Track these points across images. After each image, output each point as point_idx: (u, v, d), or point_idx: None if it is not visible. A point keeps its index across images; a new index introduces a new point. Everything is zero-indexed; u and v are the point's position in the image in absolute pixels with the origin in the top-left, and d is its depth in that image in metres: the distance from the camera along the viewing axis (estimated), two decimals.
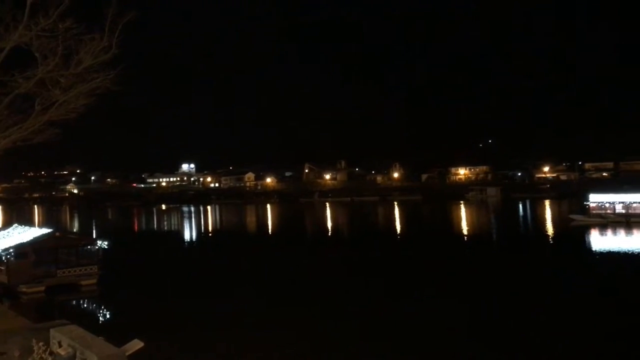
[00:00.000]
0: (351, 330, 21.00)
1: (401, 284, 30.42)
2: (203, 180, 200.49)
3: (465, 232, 59.34)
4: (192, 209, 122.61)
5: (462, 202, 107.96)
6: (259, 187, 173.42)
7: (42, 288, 29.30)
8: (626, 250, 41.68)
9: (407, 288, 29.17)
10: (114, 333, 14.67)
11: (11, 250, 29.71)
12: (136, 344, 9.94)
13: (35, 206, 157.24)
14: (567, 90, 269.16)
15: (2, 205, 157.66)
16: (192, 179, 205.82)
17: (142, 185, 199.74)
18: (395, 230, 64.94)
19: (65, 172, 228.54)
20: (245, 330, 21.26)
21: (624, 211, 56.97)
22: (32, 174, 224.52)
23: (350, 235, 63.61)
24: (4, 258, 29.89)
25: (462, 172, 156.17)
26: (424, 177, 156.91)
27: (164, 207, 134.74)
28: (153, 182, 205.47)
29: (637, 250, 41.40)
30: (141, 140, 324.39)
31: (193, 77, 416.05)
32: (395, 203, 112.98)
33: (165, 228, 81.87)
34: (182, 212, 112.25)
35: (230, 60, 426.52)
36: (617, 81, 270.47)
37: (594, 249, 44.54)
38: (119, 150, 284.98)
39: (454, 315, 22.91)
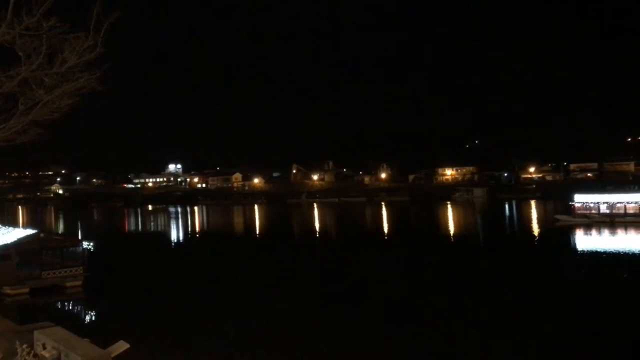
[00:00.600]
0: (339, 329, 21.04)
1: (388, 284, 30.51)
2: (190, 181, 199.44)
3: (450, 232, 59.71)
4: (179, 209, 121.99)
5: (448, 202, 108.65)
6: (247, 188, 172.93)
7: (27, 290, 28.95)
8: (610, 250, 42.25)
9: (394, 289, 29.27)
10: (100, 335, 14.54)
11: None
12: (122, 346, 9.86)
13: (20, 207, 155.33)
14: (552, 92, 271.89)
15: None
16: (179, 179, 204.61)
17: (131, 186, 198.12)
18: (382, 231, 65.11)
19: (50, 173, 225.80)
20: (232, 331, 21.20)
21: (608, 211, 57.75)
22: (16, 175, 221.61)
23: (336, 235, 63.66)
24: None
25: (449, 172, 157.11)
26: (411, 177, 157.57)
27: (150, 207, 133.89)
28: (139, 183, 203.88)
29: (620, 250, 41.97)
30: (127, 141, 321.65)
31: (178, 77, 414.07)
32: (383, 204, 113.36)
33: (152, 229, 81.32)
34: (168, 213, 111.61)
35: (218, 59, 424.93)
36: (601, 84, 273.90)
37: (578, 248, 45.09)
38: (104, 150, 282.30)
39: (435, 315, 23.04)
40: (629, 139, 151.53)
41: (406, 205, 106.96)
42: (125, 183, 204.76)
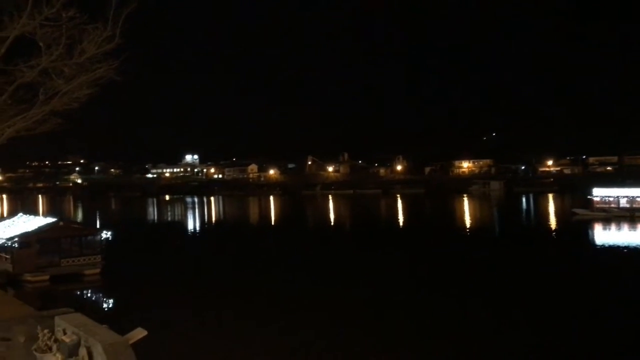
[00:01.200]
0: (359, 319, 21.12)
1: (403, 278, 30.49)
2: (206, 172, 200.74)
3: (466, 226, 59.36)
4: (196, 199, 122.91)
5: (464, 195, 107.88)
6: (262, 179, 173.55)
7: (47, 277, 29.49)
8: (629, 245, 41.60)
9: (410, 282, 29.23)
10: (118, 322, 14.76)
11: (16, 239, 29.89)
12: (139, 333, 10.00)
13: (40, 196, 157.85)
14: (572, 85, 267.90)
15: (7, 194, 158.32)
16: (195, 170, 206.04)
17: (148, 176, 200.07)
18: (396, 223, 64.96)
19: (69, 162, 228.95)
20: (249, 320, 21.39)
21: (628, 205, 56.82)
22: (36, 164, 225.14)
23: (349, 227, 63.68)
24: (8, 247, 30.09)
25: (466, 165, 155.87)
26: (427, 170, 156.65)
27: (167, 197, 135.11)
28: (156, 173, 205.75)
29: None
30: (145, 131, 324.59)
31: (197, 68, 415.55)
32: (398, 196, 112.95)
33: (169, 219, 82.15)
34: (185, 203, 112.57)
35: (233, 50, 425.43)
36: (622, 76, 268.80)
37: (596, 243, 44.53)
38: (122, 140, 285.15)
39: (454, 310, 22.99)
40: None
41: (421, 198, 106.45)
42: (142, 173, 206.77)
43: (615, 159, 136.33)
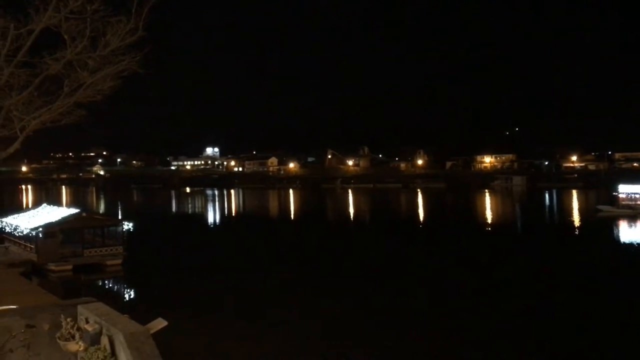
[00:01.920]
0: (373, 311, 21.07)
1: (422, 273, 30.32)
2: (227, 164, 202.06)
3: (487, 221, 58.76)
4: (216, 192, 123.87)
5: (486, 190, 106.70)
6: (282, 172, 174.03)
7: (70, 267, 30.03)
8: None
9: (429, 279, 29.06)
10: (138, 312, 14.95)
11: (40, 229, 30.48)
12: (160, 323, 10.07)
13: (63, 187, 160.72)
14: (596, 79, 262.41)
15: (32, 185, 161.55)
16: (215, 162, 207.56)
17: (170, 168, 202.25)
18: (416, 218, 64.56)
19: (91, 154, 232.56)
20: (268, 311, 21.49)
21: None
22: (60, 156, 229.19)
23: (368, 221, 63.50)
24: (33, 237, 30.70)
25: (488, 160, 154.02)
26: (448, 164, 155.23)
27: (188, 190, 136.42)
28: (177, 165, 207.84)
29: None
30: (166, 124, 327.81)
31: (218, 61, 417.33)
32: (418, 190, 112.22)
33: (190, 211, 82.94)
34: (205, 196, 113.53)
35: (255, 43, 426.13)
36: None
37: (620, 240, 43.67)
38: (144, 133, 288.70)
39: (479, 306, 22.78)
40: None
41: (442, 193, 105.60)
42: (164, 165, 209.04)
43: None
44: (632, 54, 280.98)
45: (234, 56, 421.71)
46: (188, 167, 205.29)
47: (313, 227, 55.45)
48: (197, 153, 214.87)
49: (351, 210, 76.72)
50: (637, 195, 57.27)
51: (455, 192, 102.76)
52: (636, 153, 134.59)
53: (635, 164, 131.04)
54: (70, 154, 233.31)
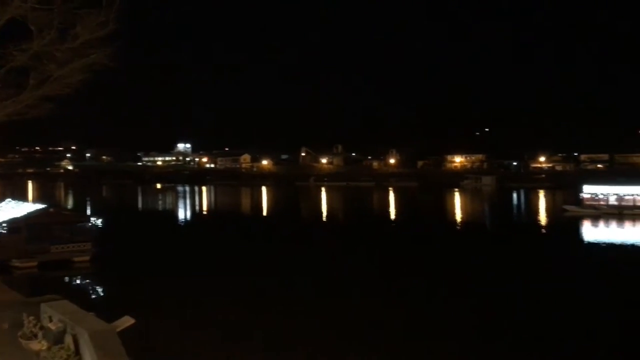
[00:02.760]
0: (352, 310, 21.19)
1: (389, 272, 30.60)
2: (199, 161, 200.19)
3: (456, 220, 59.64)
4: (187, 188, 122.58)
5: (456, 190, 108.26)
6: (255, 169, 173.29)
7: (35, 263, 29.33)
8: (617, 242, 41.98)
9: (395, 278, 29.35)
10: (106, 310, 14.73)
11: (4, 224, 29.69)
12: (127, 321, 9.97)
13: (29, 181, 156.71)
14: (566, 82, 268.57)
15: None
16: (187, 158, 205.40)
17: (140, 164, 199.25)
18: (387, 216, 65.12)
19: (60, 149, 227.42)
20: (239, 310, 21.41)
21: (617, 203, 57.25)
22: (26, 149, 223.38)
23: (339, 219, 63.79)
24: None
25: (458, 160, 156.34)
26: (420, 164, 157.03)
27: (159, 186, 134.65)
28: (148, 161, 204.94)
29: (628, 242, 41.71)
30: (137, 119, 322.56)
31: (191, 56, 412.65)
32: (391, 189, 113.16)
33: (160, 207, 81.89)
34: (177, 192, 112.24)
35: (227, 39, 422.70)
36: (615, 76, 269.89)
37: (585, 239, 44.92)
38: (114, 127, 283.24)
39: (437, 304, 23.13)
40: None
41: (414, 191, 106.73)
42: (134, 161, 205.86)
43: (606, 156, 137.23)
44: (599, 59, 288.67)
45: (206, 51, 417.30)
46: (159, 162, 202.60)
47: (285, 224, 55.38)
48: (169, 149, 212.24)
49: (323, 208, 76.91)
50: (601, 196, 58.88)
51: (427, 191, 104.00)
52: (601, 155, 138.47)
53: (599, 165, 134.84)
54: (38, 148, 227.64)
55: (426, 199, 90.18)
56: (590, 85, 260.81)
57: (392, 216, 64.74)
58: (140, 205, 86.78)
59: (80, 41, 16.46)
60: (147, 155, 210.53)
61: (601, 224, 51.79)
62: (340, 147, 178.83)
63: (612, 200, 57.73)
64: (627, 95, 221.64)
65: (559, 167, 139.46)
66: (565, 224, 53.22)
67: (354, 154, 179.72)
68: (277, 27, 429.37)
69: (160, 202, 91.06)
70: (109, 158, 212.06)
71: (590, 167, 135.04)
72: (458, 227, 52.74)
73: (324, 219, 62.26)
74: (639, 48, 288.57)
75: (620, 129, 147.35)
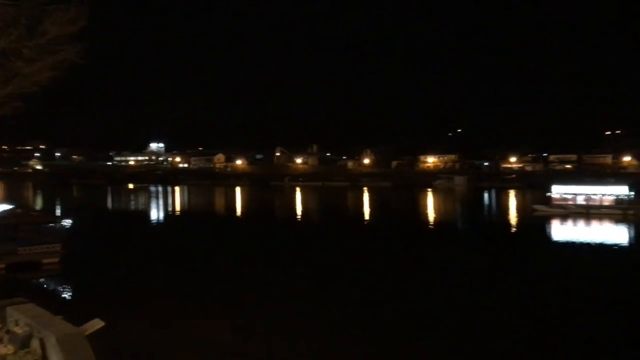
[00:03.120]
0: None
1: (357, 270, 30.78)
2: (172, 160, 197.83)
3: (429, 219, 60.31)
4: (160, 189, 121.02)
5: (429, 189, 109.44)
6: (229, 169, 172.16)
7: (2, 265, 28.62)
8: (583, 241, 43.02)
9: (365, 276, 29.53)
10: (75, 312, 14.45)
11: None
12: (96, 323, 9.82)
13: None
14: (535, 83, 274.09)
15: None
16: (160, 158, 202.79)
17: (112, 163, 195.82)
18: (361, 216, 65.43)
19: (28, 148, 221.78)
20: (208, 310, 21.25)
21: (584, 203, 58.69)
22: None
23: (313, 218, 63.84)
24: None
25: (431, 160, 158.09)
26: (394, 164, 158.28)
27: (131, 186, 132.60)
28: (121, 161, 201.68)
29: (593, 242, 42.76)
30: (109, 118, 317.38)
31: (164, 57, 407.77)
32: (365, 189, 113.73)
33: (132, 208, 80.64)
34: (149, 192, 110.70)
35: (203, 40, 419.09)
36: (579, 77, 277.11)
37: (553, 238, 45.98)
38: (85, 126, 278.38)
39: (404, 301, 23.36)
40: (608, 133, 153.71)
41: (388, 191, 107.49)
42: (106, 160, 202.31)
43: (574, 157, 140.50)
44: (569, 59, 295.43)
45: (182, 52, 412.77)
46: (132, 162, 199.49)
47: (258, 224, 55.15)
48: (141, 148, 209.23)
49: (298, 208, 76.85)
50: (569, 196, 60.28)
51: (401, 191, 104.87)
52: (569, 155, 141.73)
53: (567, 166, 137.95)
54: (5, 147, 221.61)
55: (399, 199, 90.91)
56: (560, 87, 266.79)
57: (365, 216, 65.07)
58: (111, 205, 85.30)
59: (48, 37, 16.11)
60: (119, 154, 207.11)
61: (569, 223, 53.03)
62: (315, 147, 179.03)
63: (580, 200, 59.17)
64: (595, 96, 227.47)
65: (529, 168, 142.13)
66: (535, 223, 54.30)
67: (329, 154, 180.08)
68: (252, 25, 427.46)
69: (132, 203, 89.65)
70: (79, 157, 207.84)
71: (558, 167, 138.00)
72: (430, 227, 53.32)
73: (298, 218, 62.23)
74: (595, 51, 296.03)
75: (588, 130, 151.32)
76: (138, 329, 18.63)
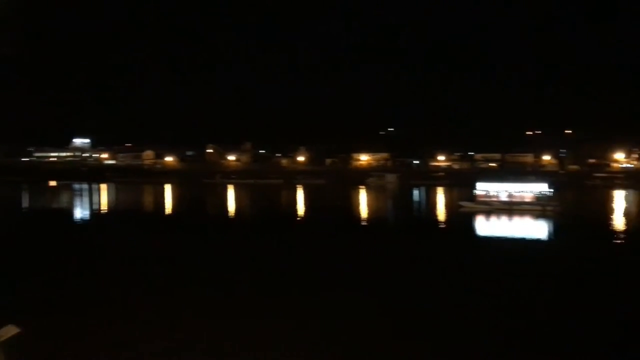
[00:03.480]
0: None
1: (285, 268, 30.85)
2: (98, 157, 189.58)
3: (360, 215, 61.35)
4: (85, 186, 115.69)
5: (362, 187, 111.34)
6: (159, 166, 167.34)
7: None
8: (506, 235, 45.36)
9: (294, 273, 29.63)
10: None
11: None
12: (11, 330, 9.19)
13: None
14: (463, 83, 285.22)
15: None
16: (86, 154, 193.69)
17: (29, 159, 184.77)
18: (293, 212, 65.56)
19: None
20: (135, 315, 20.56)
21: (507, 199, 61.70)
22: None
23: (240, 216, 63.39)
24: None
25: (364, 158, 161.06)
26: (329, 161, 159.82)
27: (53, 183, 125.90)
28: (41, 157, 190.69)
29: (515, 236, 45.10)
30: (29, 110, 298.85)
31: (95, 46, 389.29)
32: (299, 186, 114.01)
33: (53, 206, 76.56)
34: (73, 190, 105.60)
35: (132, 30, 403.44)
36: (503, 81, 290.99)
37: (477, 232, 48.14)
38: (2, 119, 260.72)
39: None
40: (529, 133, 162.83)
41: (322, 189, 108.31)
42: (24, 156, 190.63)
43: (498, 156, 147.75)
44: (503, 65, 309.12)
45: (109, 42, 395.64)
46: (54, 158, 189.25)
47: (184, 223, 53.96)
48: (65, 144, 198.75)
49: (228, 206, 75.88)
50: (493, 193, 63.21)
51: (334, 188, 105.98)
52: (493, 154, 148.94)
53: (492, 164, 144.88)
54: None
55: (331, 196, 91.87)
56: (485, 90, 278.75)
57: (298, 212, 65.23)
58: (29, 204, 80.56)
59: None
60: (39, 150, 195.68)
61: (493, 218, 55.65)
62: (248, 144, 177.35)
63: (503, 197, 62.16)
64: (518, 98, 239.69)
65: (456, 166, 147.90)
66: (461, 218, 56.54)
67: (262, 151, 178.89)
68: (181, 24, 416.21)
69: (53, 201, 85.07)
70: None
71: (483, 165, 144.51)
72: (362, 223, 54.24)
73: (228, 215, 61.44)
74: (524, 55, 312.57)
75: (510, 130, 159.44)
76: (56, 334, 17.71)
